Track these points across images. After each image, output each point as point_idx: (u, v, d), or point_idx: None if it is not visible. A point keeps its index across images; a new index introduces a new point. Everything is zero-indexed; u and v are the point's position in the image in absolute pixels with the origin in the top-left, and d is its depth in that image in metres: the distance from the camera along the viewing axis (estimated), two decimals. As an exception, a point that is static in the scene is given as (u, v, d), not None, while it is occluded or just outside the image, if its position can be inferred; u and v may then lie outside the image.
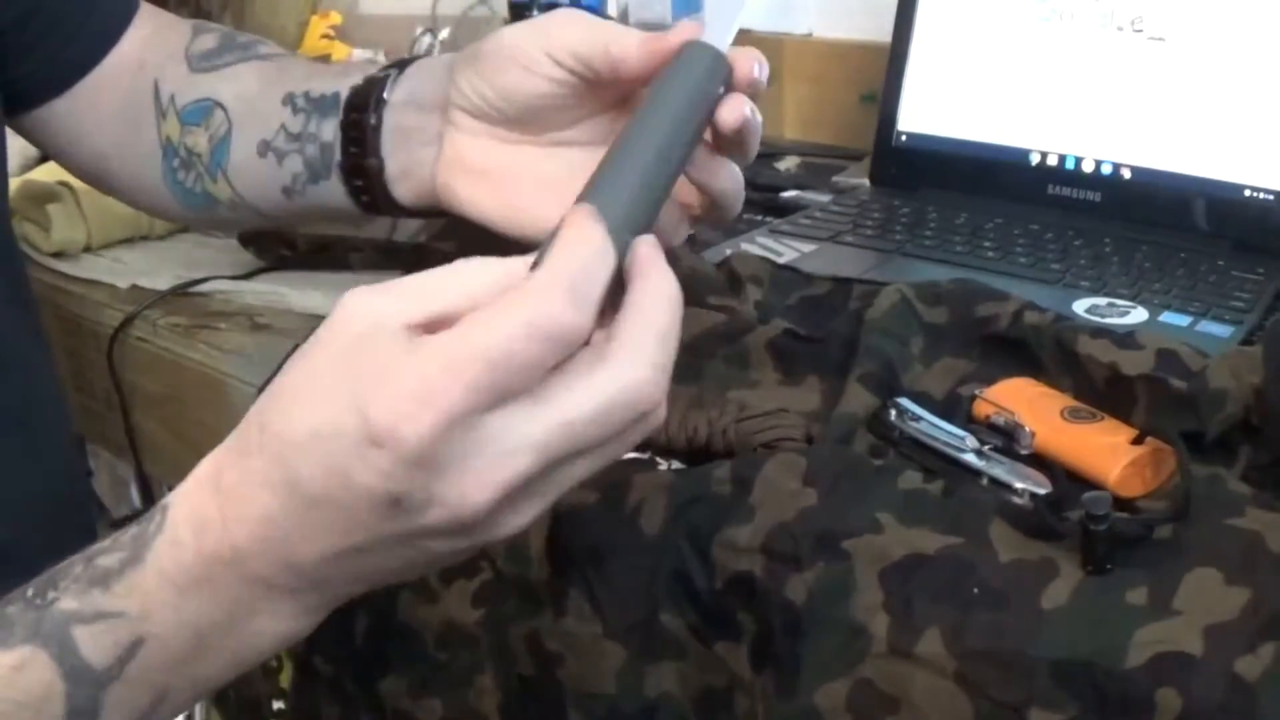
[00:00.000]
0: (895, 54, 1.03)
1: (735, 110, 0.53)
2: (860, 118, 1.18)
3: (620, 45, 0.55)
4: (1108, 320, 0.74)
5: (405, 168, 0.66)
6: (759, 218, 1.04)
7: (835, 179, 1.10)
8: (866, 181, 1.06)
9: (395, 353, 0.40)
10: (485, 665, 0.62)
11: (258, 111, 0.70)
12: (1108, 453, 0.58)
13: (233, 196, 0.72)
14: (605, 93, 0.59)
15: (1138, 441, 0.58)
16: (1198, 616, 0.47)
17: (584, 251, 0.43)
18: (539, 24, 0.59)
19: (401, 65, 0.67)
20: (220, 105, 0.71)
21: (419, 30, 1.52)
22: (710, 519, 0.55)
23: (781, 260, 0.86)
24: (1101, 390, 0.63)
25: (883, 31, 1.05)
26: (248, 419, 0.45)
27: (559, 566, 0.58)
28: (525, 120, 0.61)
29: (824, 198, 1.05)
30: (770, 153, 1.24)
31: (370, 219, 0.75)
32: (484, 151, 0.62)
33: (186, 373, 0.92)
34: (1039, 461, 0.59)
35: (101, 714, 0.45)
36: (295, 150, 0.68)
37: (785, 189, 1.08)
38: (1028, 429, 0.60)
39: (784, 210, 1.03)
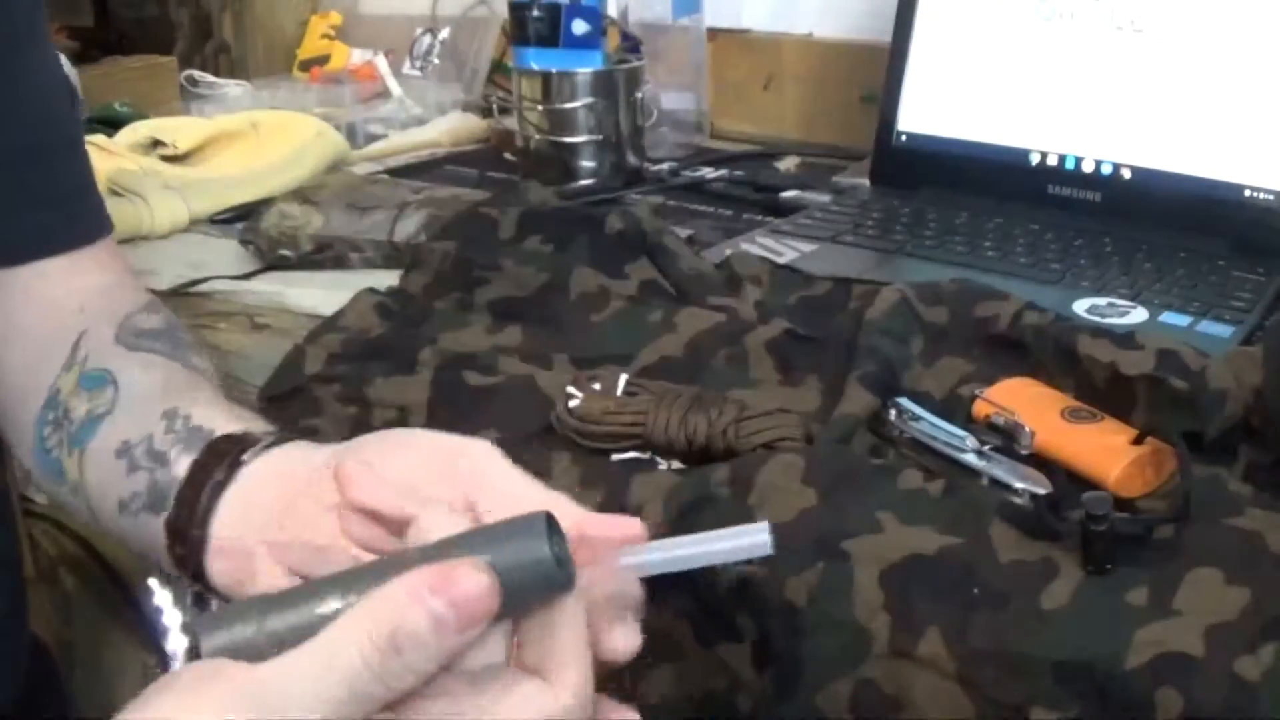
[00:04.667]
0: (895, 54, 1.03)
1: (627, 637, 0.44)
2: (860, 118, 1.18)
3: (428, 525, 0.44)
4: (1108, 320, 0.74)
5: (223, 545, 0.56)
6: (759, 218, 1.04)
7: (835, 179, 1.11)
8: (866, 181, 1.06)
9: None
10: (485, 665, 0.62)
11: (138, 411, 0.63)
12: (1108, 453, 0.58)
13: (78, 482, 0.64)
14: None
15: (1138, 441, 0.58)
16: (1198, 617, 0.47)
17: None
18: (357, 451, 0.50)
19: (288, 435, 0.58)
20: (115, 384, 0.65)
21: (419, 30, 1.52)
22: (710, 520, 0.55)
23: (781, 260, 0.86)
24: (1101, 390, 0.63)
25: (883, 31, 1.05)
26: None
27: (559, 567, 0.58)
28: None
29: (824, 198, 1.05)
30: (770, 153, 1.24)
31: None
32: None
33: (186, 373, 0.92)
34: (1039, 461, 0.59)
35: None
36: (147, 469, 0.60)
37: (785, 189, 1.08)
38: (1028, 429, 0.59)
39: (784, 210, 1.03)
